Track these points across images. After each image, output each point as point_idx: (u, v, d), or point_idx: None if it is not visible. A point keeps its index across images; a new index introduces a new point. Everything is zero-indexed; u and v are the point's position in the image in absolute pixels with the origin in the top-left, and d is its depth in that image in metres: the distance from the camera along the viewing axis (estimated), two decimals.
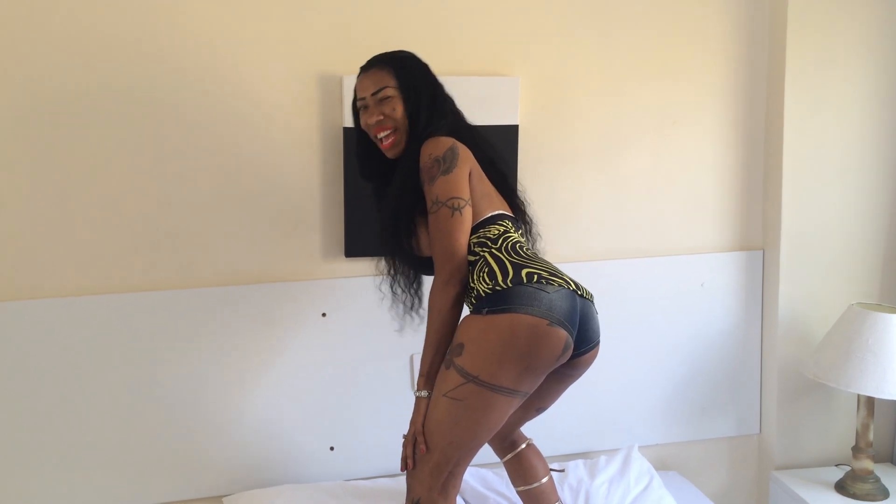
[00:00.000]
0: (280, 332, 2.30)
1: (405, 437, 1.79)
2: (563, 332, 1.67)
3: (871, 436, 2.44)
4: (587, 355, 1.83)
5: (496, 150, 1.99)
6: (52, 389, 2.15)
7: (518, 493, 2.06)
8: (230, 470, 2.30)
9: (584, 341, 1.79)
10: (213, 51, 2.18)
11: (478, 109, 2.26)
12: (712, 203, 2.62)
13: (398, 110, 1.86)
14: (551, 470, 2.09)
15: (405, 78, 1.88)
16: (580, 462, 2.47)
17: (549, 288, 1.69)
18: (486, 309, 1.69)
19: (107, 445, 2.20)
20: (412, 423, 1.78)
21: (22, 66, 2.05)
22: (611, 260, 2.53)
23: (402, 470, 1.80)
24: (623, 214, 2.54)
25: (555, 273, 1.76)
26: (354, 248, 2.31)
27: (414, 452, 1.75)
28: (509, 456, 2.02)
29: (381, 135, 1.87)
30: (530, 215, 2.04)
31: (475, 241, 1.81)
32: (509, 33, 2.37)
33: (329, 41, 2.25)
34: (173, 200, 2.20)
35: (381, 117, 1.85)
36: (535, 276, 1.71)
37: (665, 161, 2.55)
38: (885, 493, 2.44)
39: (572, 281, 1.78)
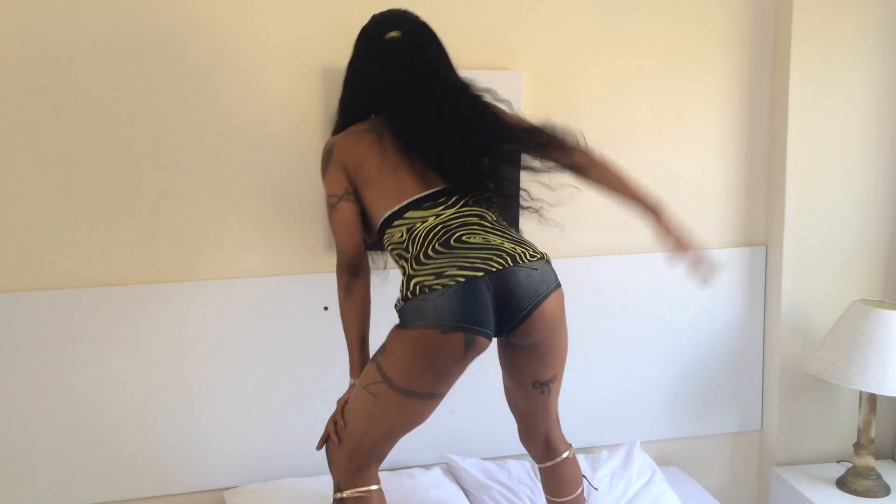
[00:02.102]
0: (282, 326, 2.29)
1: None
2: (459, 334, 1.66)
3: (872, 432, 2.43)
4: (531, 319, 1.73)
5: (451, 111, 1.83)
6: (54, 380, 2.14)
7: (546, 496, 2.04)
8: (231, 463, 2.30)
9: (513, 312, 1.71)
10: (215, 43, 2.17)
11: None
12: (716, 199, 2.61)
13: None
14: (588, 484, 2.08)
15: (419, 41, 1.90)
16: (582, 457, 2.47)
17: (432, 295, 1.66)
18: (396, 324, 1.74)
19: (109, 437, 2.20)
20: (338, 402, 1.84)
21: (22, 56, 2.05)
22: (613, 255, 2.53)
23: (317, 449, 1.84)
24: (625, 210, 2.53)
25: (448, 270, 1.68)
26: None
27: (336, 431, 1.80)
28: (548, 464, 1.99)
29: None
30: (511, 188, 1.95)
31: (391, 249, 1.84)
32: (513, 27, 2.36)
33: (332, 34, 2.24)
34: (175, 192, 2.20)
35: None
36: (419, 287, 1.68)
37: (668, 156, 2.54)
38: (887, 490, 2.44)
39: (484, 259, 1.69)
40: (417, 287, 1.69)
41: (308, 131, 2.26)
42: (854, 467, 2.47)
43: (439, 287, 1.66)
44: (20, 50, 2.04)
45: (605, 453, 2.48)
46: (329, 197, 1.84)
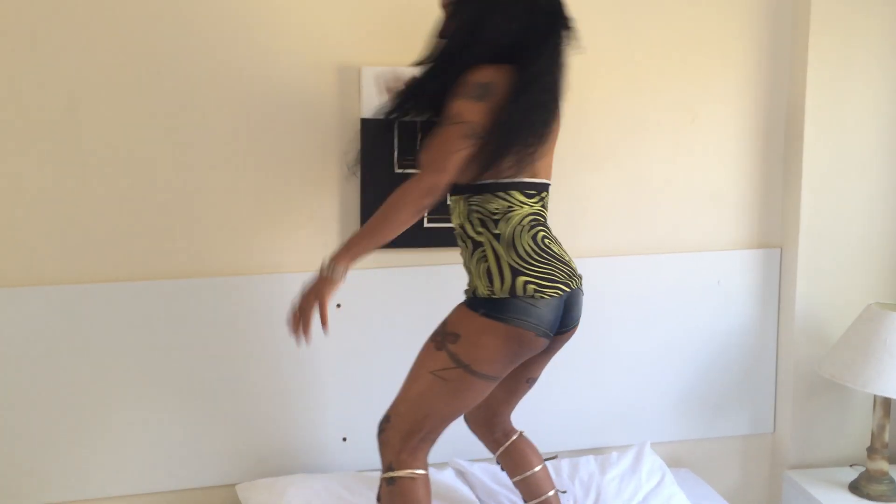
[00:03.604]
0: None
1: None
2: (546, 339, 1.81)
3: (886, 437, 2.42)
4: (570, 333, 1.93)
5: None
6: (63, 375, 2.16)
7: (515, 483, 2.09)
8: (243, 458, 2.31)
9: (564, 325, 1.87)
10: (230, 41, 2.18)
11: None
12: (730, 200, 2.60)
13: (451, 26, 1.87)
14: (545, 459, 2.12)
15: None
16: (591, 458, 2.47)
17: (541, 303, 1.76)
18: (483, 311, 1.77)
19: (119, 432, 2.22)
20: (306, 290, 1.76)
21: (29, 52, 2.06)
22: (626, 256, 2.52)
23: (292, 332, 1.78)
24: (640, 210, 2.53)
25: (550, 280, 1.78)
26: None
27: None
28: (501, 449, 2.08)
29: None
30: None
31: (476, 211, 1.81)
32: None
33: (348, 32, 2.25)
34: (187, 188, 2.21)
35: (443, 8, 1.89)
36: (530, 289, 1.75)
37: (683, 157, 2.53)
38: None
39: (567, 275, 1.83)
40: (528, 288, 1.75)
41: (323, 130, 2.27)
42: (867, 471, 2.46)
43: (547, 297, 1.76)
44: (33, 44, 2.06)
45: (614, 454, 2.47)
46: (467, 123, 1.72)
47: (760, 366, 2.67)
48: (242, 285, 2.26)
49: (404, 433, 1.81)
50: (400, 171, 2.30)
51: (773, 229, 2.64)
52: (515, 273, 1.76)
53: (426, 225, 2.33)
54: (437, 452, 2.41)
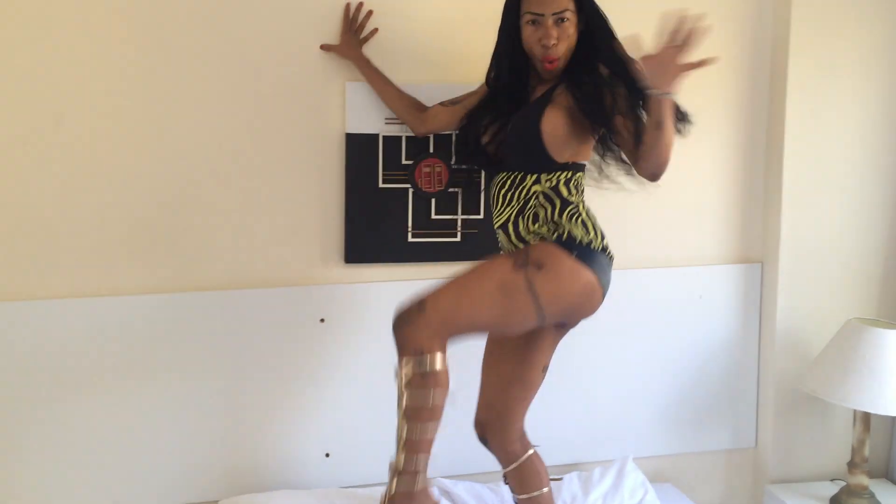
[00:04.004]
0: (278, 338, 2.30)
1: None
2: (599, 306, 1.91)
3: (866, 451, 2.44)
4: None
5: None
6: (47, 391, 2.14)
7: (520, 501, 2.05)
8: (225, 474, 2.30)
9: None
10: (213, 53, 2.18)
11: None
12: (711, 215, 2.62)
13: (571, 37, 1.89)
14: (551, 479, 2.10)
15: (585, 9, 1.90)
16: (574, 476, 2.47)
17: (611, 266, 1.92)
18: (577, 254, 1.84)
19: (103, 448, 2.20)
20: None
21: (18, 61, 2.06)
22: None
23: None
24: (622, 225, 2.53)
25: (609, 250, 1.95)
26: (354, 254, 2.32)
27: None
28: (516, 464, 2.04)
29: (548, 55, 1.89)
30: None
31: (573, 180, 1.92)
32: None
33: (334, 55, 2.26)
34: (172, 203, 2.20)
35: (556, 41, 1.87)
36: (609, 252, 1.92)
37: (665, 174, 2.54)
38: None
39: None
40: (608, 251, 1.91)
41: (307, 144, 2.27)
42: (848, 486, 2.47)
43: (612, 261, 1.94)
44: (20, 54, 2.05)
45: (597, 471, 2.47)
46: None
47: (742, 380, 2.68)
48: (224, 300, 2.25)
49: (437, 326, 1.74)
50: (384, 185, 2.30)
51: (754, 244, 2.66)
52: (602, 235, 1.91)
53: (410, 240, 2.34)
54: None
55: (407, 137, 2.30)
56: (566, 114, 1.88)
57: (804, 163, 2.55)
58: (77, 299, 2.15)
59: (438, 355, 1.72)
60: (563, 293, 1.83)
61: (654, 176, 1.87)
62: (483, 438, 2.07)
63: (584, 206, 1.93)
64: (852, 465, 2.45)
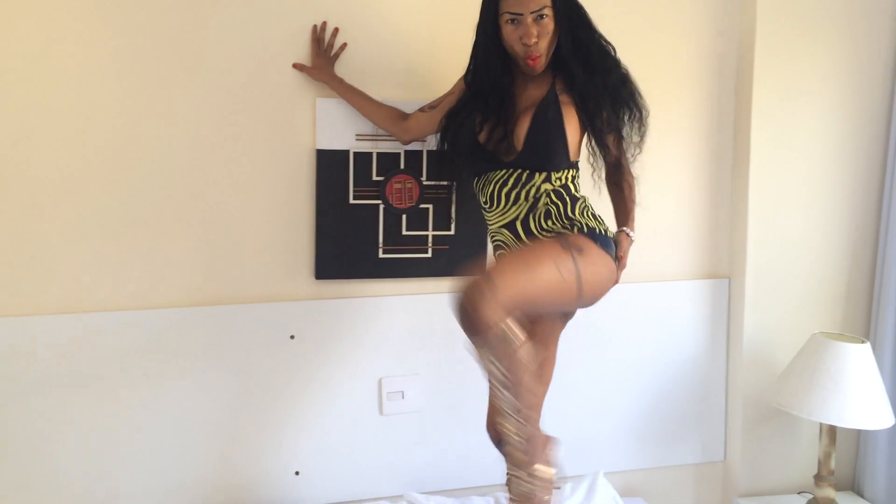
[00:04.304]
0: (247, 354, 2.28)
1: None
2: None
3: (832, 464, 2.47)
4: None
5: None
6: (14, 409, 2.10)
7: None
8: (193, 493, 2.27)
9: None
10: (183, 71, 2.17)
11: None
12: (679, 231, 2.65)
13: (550, 33, 1.91)
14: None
15: (562, 5, 1.92)
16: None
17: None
18: (599, 244, 1.91)
19: (67, 467, 2.16)
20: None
21: None
22: None
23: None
24: None
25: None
26: (325, 270, 2.31)
27: None
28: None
29: (530, 52, 1.91)
30: None
31: (576, 176, 2.00)
32: None
33: (303, 62, 2.26)
34: (140, 219, 2.18)
35: (537, 39, 1.89)
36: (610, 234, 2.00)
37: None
38: None
39: None
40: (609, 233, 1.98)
41: (277, 160, 2.27)
42: (815, 499, 2.50)
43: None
44: None
45: (569, 486, 2.48)
46: None
47: (711, 394, 2.71)
48: (193, 317, 2.23)
49: (507, 300, 1.69)
50: (355, 201, 2.30)
51: (721, 260, 2.70)
52: (600, 220, 1.99)
53: (381, 256, 2.34)
54: (392, 482, 2.42)
55: (378, 153, 2.31)
56: (578, 116, 1.95)
57: (769, 180, 2.59)
58: (44, 316, 2.12)
59: (511, 322, 1.70)
60: (596, 277, 1.89)
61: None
62: (499, 441, 1.90)
63: (588, 202, 2.00)
64: (819, 478, 2.48)
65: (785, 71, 2.56)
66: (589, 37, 1.96)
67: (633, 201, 2.12)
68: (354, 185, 2.30)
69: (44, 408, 2.13)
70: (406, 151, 2.32)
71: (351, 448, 2.38)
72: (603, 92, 1.95)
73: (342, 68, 2.27)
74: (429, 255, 2.37)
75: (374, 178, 2.31)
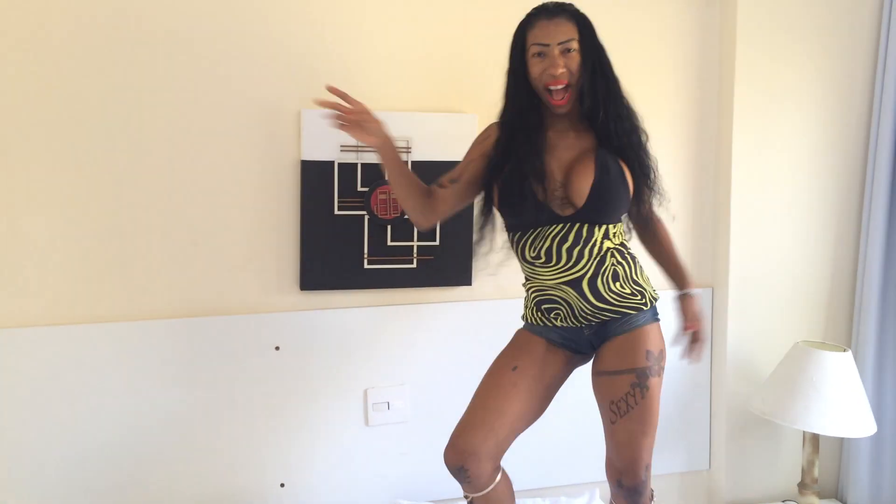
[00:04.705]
0: (232, 366, 2.27)
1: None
2: None
3: (816, 472, 2.48)
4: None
5: None
6: None
7: None
8: None
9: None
10: (169, 80, 2.17)
11: (436, 145, 2.31)
12: None
13: (576, 67, 1.84)
14: None
15: (588, 38, 1.87)
16: (540, 500, 2.47)
17: None
18: (658, 317, 1.96)
19: (49, 479, 2.14)
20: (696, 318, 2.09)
21: None
22: None
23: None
24: None
25: None
26: (310, 281, 2.31)
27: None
28: (490, 487, 1.93)
29: (557, 87, 1.84)
30: None
31: (620, 234, 1.95)
32: (466, 71, 2.41)
33: (287, 74, 2.26)
34: (124, 230, 2.17)
35: (564, 70, 1.83)
36: None
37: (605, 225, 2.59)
38: None
39: None
40: None
41: (262, 171, 2.27)
42: None
43: None
44: None
45: (562, 500, 2.48)
46: None
47: (695, 403, 2.72)
48: (178, 328, 2.22)
49: (649, 477, 1.94)
50: (340, 212, 2.30)
51: (705, 270, 2.71)
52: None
53: (366, 266, 2.34)
54: (380, 494, 2.41)
55: (362, 164, 2.31)
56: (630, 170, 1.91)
57: (752, 191, 2.61)
58: (25, 328, 2.10)
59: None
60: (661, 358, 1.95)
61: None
62: (461, 467, 1.88)
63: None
64: (803, 486, 2.49)
65: (766, 82, 2.59)
66: (608, 86, 1.89)
67: (677, 250, 2.12)
68: (339, 196, 2.30)
69: (23, 419, 2.11)
70: None
71: (336, 459, 2.37)
72: (639, 149, 1.93)
73: (356, 75, 2.27)
74: (414, 265, 2.38)
75: (359, 188, 2.32)
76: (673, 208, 2.64)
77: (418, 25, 2.36)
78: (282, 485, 2.34)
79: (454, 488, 2.45)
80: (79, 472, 2.17)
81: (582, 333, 1.93)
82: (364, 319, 2.37)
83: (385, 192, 2.33)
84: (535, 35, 1.85)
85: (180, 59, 2.18)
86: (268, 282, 2.30)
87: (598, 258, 1.87)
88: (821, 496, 2.56)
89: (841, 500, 2.71)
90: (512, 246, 1.98)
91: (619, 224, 1.94)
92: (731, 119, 2.59)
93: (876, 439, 2.55)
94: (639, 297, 1.90)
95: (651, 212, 2.03)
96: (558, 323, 1.92)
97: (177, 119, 2.19)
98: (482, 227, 1.98)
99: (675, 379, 2.68)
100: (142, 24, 2.14)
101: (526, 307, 2.00)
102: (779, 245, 2.66)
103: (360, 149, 2.30)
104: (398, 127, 2.30)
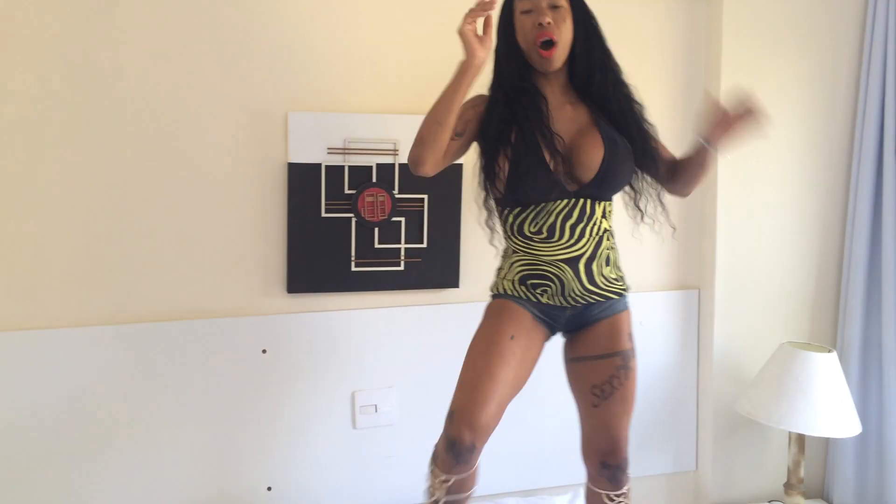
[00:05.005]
0: (219, 369, 2.26)
1: None
2: None
3: (802, 472, 2.50)
4: None
5: None
6: None
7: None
8: None
9: None
10: (154, 83, 2.16)
11: None
12: (650, 243, 2.67)
13: (567, 26, 1.83)
14: None
15: (579, 3, 1.87)
16: (524, 499, 2.48)
17: None
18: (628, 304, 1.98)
19: (33, 486, 2.12)
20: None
21: None
22: None
23: None
24: None
25: None
26: (297, 283, 2.30)
27: None
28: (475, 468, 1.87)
29: (544, 39, 1.80)
30: None
31: (611, 213, 1.94)
32: (447, 74, 2.40)
33: (274, 77, 2.26)
34: (110, 233, 2.16)
35: (551, 21, 1.79)
36: None
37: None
38: None
39: None
40: None
41: (249, 173, 2.26)
42: None
43: None
44: None
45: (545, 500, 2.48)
46: None
47: (682, 404, 2.73)
48: (164, 332, 2.21)
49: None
50: (327, 215, 2.30)
51: (692, 272, 2.73)
52: None
53: (353, 269, 2.33)
54: (366, 497, 2.40)
55: (350, 167, 2.31)
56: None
57: (738, 193, 2.63)
58: (10, 332, 2.08)
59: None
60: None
61: (686, 195, 2.08)
62: (473, 445, 1.77)
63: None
64: (789, 487, 2.51)
65: (751, 82, 2.59)
66: (603, 50, 1.90)
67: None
68: (326, 199, 2.30)
69: (7, 423, 2.10)
70: (378, 165, 2.33)
71: (324, 462, 2.37)
72: (637, 113, 1.93)
73: (367, 77, 2.27)
74: (401, 267, 2.37)
75: (346, 191, 2.31)
76: (672, 220, 2.66)
77: (405, 27, 2.35)
78: (269, 488, 2.33)
79: None
80: (59, 476, 2.15)
81: (563, 313, 1.90)
82: (351, 322, 2.37)
83: (372, 195, 2.33)
84: (524, 2, 1.84)
85: (166, 62, 2.17)
86: (254, 285, 2.30)
87: (596, 238, 1.87)
88: (806, 496, 2.58)
89: (826, 500, 2.73)
90: (501, 221, 1.93)
91: (612, 203, 1.93)
92: None
93: (861, 439, 2.57)
94: (621, 283, 1.94)
95: (665, 157, 2.01)
96: (544, 299, 1.88)
97: (163, 122, 2.18)
98: (486, 201, 1.92)
99: (662, 380, 2.69)
100: (124, 28, 2.13)
101: (503, 279, 1.92)
102: (765, 247, 2.68)
103: (347, 151, 2.30)
104: (386, 129, 2.30)
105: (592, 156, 1.81)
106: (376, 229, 2.35)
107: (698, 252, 2.72)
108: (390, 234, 2.36)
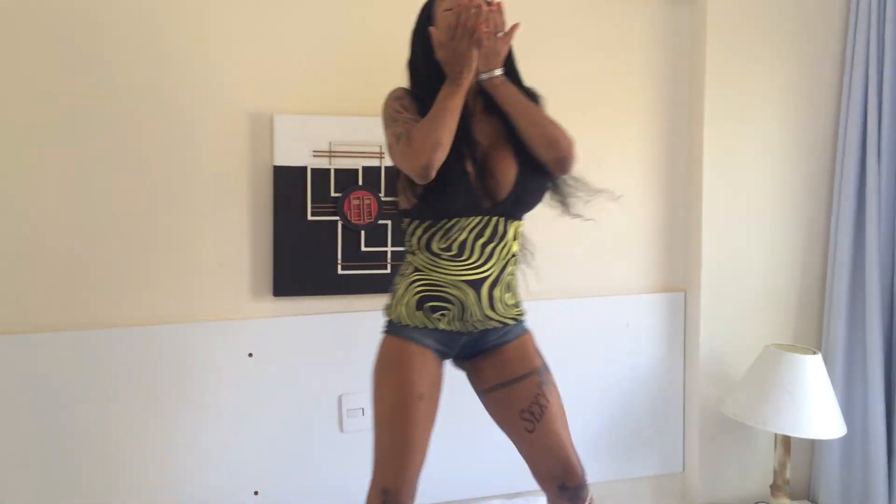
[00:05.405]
0: (205, 373, 2.25)
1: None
2: None
3: (787, 474, 2.51)
4: None
5: None
6: None
7: None
8: None
9: None
10: (139, 85, 2.16)
11: None
12: (636, 246, 2.69)
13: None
14: None
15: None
16: (506, 503, 2.48)
17: None
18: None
19: (16, 490, 2.11)
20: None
21: None
22: (537, 301, 2.55)
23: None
24: (548, 256, 2.57)
25: None
26: (283, 287, 2.30)
27: None
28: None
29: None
30: None
31: (521, 235, 1.87)
32: None
33: (260, 79, 2.25)
34: (94, 236, 2.15)
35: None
36: None
37: (590, 204, 2.60)
38: None
39: None
40: None
41: (234, 176, 2.26)
42: None
43: None
44: None
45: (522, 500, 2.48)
46: None
47: (668, 406, 2.74)
48: (151, 335, 2.20)
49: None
50: (313, 218, 2.30)
51: (678, 274, 2.74)
52: None
53: (340, 272, 2.33)
54: (353, 501, 2.39)
55: (335, 170, 2.31)
56: None
57: (723, 196, 2.64)
58: None
59: None
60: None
61: (559, 161, 1.75)
62: (414, 477, 1.78)
63: None
64: (775, 488, 2.52)
65: (735, 89, 2.62)
66: (510, 56, 1.82)
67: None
68: (312, 202, 2.29)
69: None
70: (364, 168, 2.33)
71: (311, 466, 2.36)
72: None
73: (332, 82, 2.27)
74: (388, 270, 2.37)
75: (332, 194, 2.31)
76: (646, 210, 2.67)
77: (390, 30, 2.35)
78: (255, 492, 2.32)
79: (430, 493, 2.44)
80: (45, 480, 2.13)
81: (459, 340, 1.81)
82: (338, 325, 2.37)
83: (359, 198, 2.33)
84: (445, 2, 1.76)
85: (151, 65, 2.16)
86: (241, 288, 2.29)
87: (503, 262, 1.79)
88: (792, 497, 2.59)
89: (812, 501, 2.74)
90: (409, 234, 1.82)
91: (523, 223, 1.84)
92: (701, 124, 2.62)
93: (846, 440, 2.59)
94: (517, 310, 1.87)
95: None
96: (441, 325, 1.78)
97: (147, 125, 2.17)
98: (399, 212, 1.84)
99: (648, 382, 2.70)
100: (111, 31, 2.12)
101: (398, 303, 1.81)
102: (750, 250, 2.69)
103: (332, 154, 2.30)
104: (371, 132, 2.30)
105: (507, 172, 1.75)
106: (363, 232, 2.35)
107: (684, 255, 2.73)
108: (377, 237, 2.36)
